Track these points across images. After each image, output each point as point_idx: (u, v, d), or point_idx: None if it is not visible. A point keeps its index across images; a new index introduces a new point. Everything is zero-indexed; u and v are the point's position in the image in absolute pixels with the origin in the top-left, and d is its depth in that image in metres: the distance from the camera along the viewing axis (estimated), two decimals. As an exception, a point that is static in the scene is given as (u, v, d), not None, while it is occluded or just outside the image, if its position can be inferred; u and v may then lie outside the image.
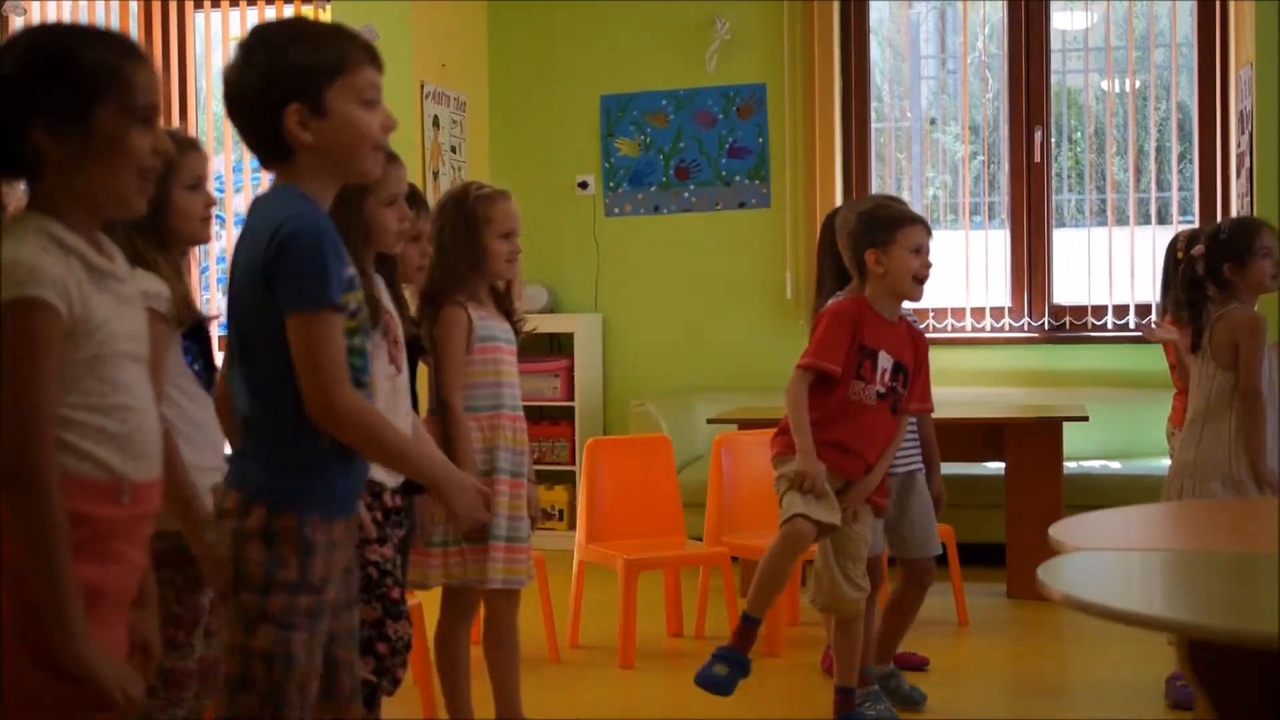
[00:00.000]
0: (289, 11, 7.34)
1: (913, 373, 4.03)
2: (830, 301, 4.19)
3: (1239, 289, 4.24)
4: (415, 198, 3.39)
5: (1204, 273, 4.26)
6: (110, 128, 1.97)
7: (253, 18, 7.51)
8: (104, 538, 1.99)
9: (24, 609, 1.91)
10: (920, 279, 3.98)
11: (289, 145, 2.29)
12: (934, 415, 4.45)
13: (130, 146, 1.98)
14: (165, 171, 2.90)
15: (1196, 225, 4.99)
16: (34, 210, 1.98)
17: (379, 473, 3.12)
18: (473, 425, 3.66)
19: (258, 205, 2.34)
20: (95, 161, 1.97)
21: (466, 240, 3.67)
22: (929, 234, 4.02)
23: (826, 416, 3.91)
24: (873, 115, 7.47)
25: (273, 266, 2.23)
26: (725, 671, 3.95)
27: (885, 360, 3.97)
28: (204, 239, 3.04)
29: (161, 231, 2.92)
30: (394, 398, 3.15)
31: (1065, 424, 5.81)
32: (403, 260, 3.41)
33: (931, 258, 4.03)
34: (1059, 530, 3.21)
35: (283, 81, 2.28)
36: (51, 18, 7.65)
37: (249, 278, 2.26)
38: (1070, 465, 6.02)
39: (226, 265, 3.97)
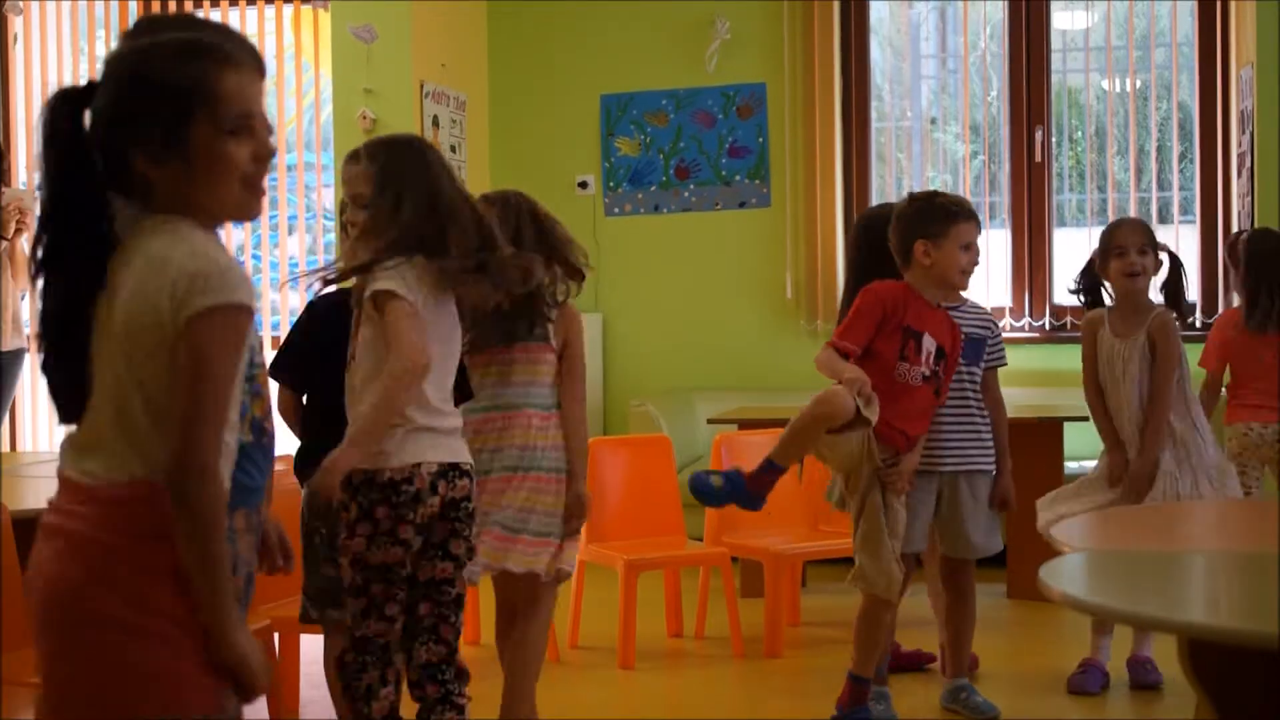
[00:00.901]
0: (289, 12, 7.33)
1: (949, 359, 4.05)
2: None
3: (1109, 291, 4.46)
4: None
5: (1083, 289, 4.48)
6: (205, 144, 1.95)
7: (252, 17, 7.51)
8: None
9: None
10: (967, 273, 4.01)
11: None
12: None
13: (227, 159, 1.96)
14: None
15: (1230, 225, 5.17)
16: (171, 216, 1.97)
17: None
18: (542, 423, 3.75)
19: None
20: (198, 178, 1.96)
21: (550, 240, 3.70)
22: (979, 229, 4.05)
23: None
24: (873, 115, 7.47)
25: None
26: (720, 484, 3.97)
27: (929, 343, 3.97)
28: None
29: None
30: None
31: (1065, 424, 5.81)
32: None
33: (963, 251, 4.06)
34: (1059, 530, 3.20)
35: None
36: (51, 18, 7.66)
37: None
38: (1070, 465, 6.01)
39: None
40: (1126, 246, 4.42)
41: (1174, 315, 4.50)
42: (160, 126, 1.93)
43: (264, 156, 1.99)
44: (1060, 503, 4.43)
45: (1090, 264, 4.53)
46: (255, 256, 7.65)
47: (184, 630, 1.92)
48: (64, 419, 2.01)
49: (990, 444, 4.22)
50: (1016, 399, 6.53)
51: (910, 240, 4.00)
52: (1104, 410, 4.45)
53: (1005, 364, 4.35)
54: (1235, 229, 6.81)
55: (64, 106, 1.97)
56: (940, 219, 3.98)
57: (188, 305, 1.88)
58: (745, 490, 3.94)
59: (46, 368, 2.00)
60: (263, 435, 2.28)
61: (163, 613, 1.90)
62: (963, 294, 4.19)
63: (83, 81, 2.02)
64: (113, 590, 1.90)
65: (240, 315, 1.91)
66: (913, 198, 4.12)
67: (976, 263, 4.03)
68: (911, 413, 3.96)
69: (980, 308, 4.33)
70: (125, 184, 1.97)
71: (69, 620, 1.92)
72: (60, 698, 1.95)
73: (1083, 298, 4.55)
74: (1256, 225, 6.43)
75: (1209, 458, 4.37)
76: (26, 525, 3.52)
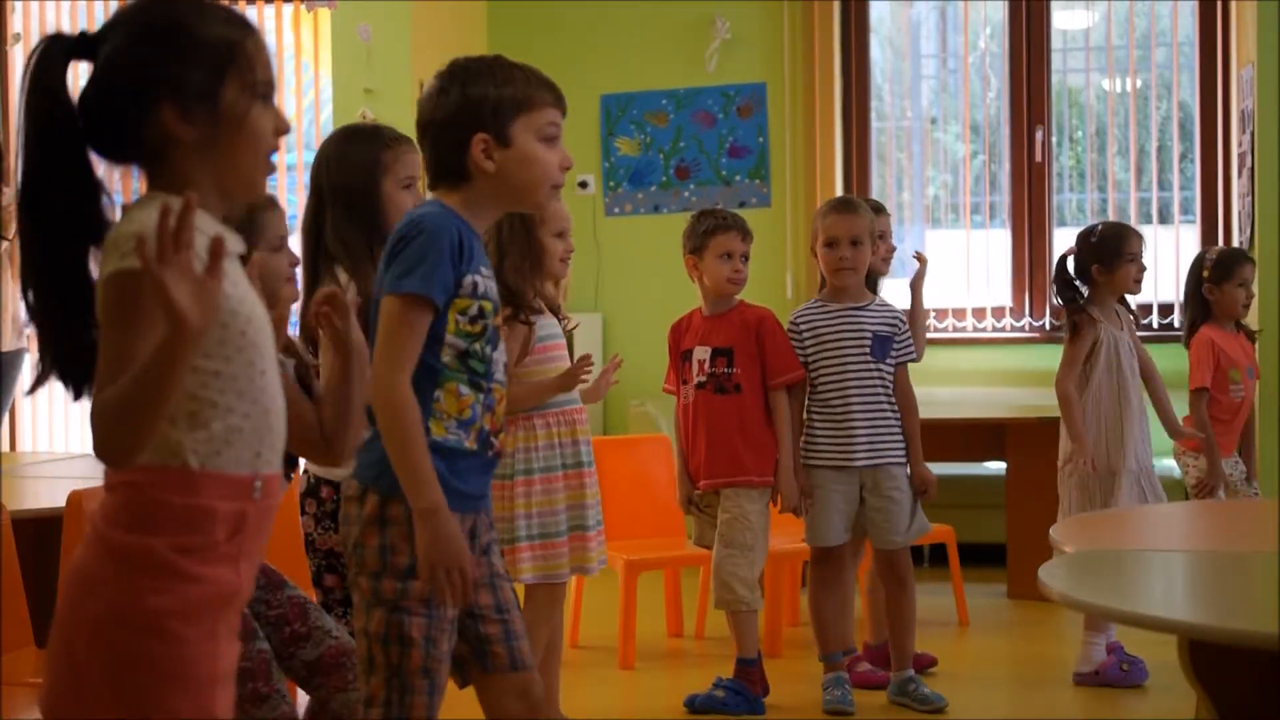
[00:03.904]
0: (288, 12, 7.33)
1: (741, 351, 4.40)
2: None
3: (1103, 291, 4.57)
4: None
5: (1075, 273, 4.60)
6: (235, 105, 1.86)
7: (252, 17, 7.50)
8: (237, 534, 1.87)
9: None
10: (734, 280, 4.33)
11: (468, 171, 2.46)
12: (934, 415, 4.58)
13: (255, 124, 1.89)
14: (377, 170, 3.17)
15: (1217, 244, 5.20)
16: (159, 191, 1.87)
17: None
18: (545, 422, 3.81)
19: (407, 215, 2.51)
20: (224, 141, 1.87)
21: (525, 239, 3.74)
22: (744, 238, 4.34)
23: None
24: (873, 115, 7.47)
25: (389, 253, 2.41)
26: (722, 696, 4.36)
27: (700, 353, 4.39)
28: None
29: (378, 227, 3.11)
30: None
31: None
32: None
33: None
34: (1059, 530, 3.20)
35: (473, 112, 2.46)
36: (50, 18, 7.66)
37: (380, 271, 2.44)
38: (1071, 465, 6.00)
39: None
40: (1138, 253, 4.58)
41: None
42: (197, 80, 1.84)
43: (283, 129, 1.95)
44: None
45: (1085, 264, 4.56)
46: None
47: (167, 630, 1.81)
48: (76, 393, 1.89)
49: (902, 437, 4.37)
50: (1017, 399, 6.54)
51: (685, 260, 4.39)
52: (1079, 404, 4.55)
53: (915, 359, 4.50)
54: (1235, 229, 6.81)
55: (57, 55, 1.87)
56: (699, 234, 4.35)
57: (103, 267, 1.80)
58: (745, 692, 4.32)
59: (45, 343, 1.89)
60: (487, 449, 2.43)
61: (147, 611, 1.80)
62: (870, 292, 4.46)
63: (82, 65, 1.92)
64: (105, 587, 1.81)
65: (135, 280, 1.73)
66: (690, 220, 4.47)
67: (740, 268, 4.32)
68: (689, 431, 4.41)
69: (889, 306, 4.50)
70: (132, 145, 1.87)
71: (64, 616, 1.85)
72: (50, 692, 1.86)
73: (1062, 297, 4.64)
74: (1257, 226, 6.43)
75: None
76: (27, 525, 3.53)
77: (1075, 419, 4.49)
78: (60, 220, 1.85)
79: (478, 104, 2.46)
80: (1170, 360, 5.30)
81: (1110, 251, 4.54)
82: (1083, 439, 4.46)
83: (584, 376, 3.82)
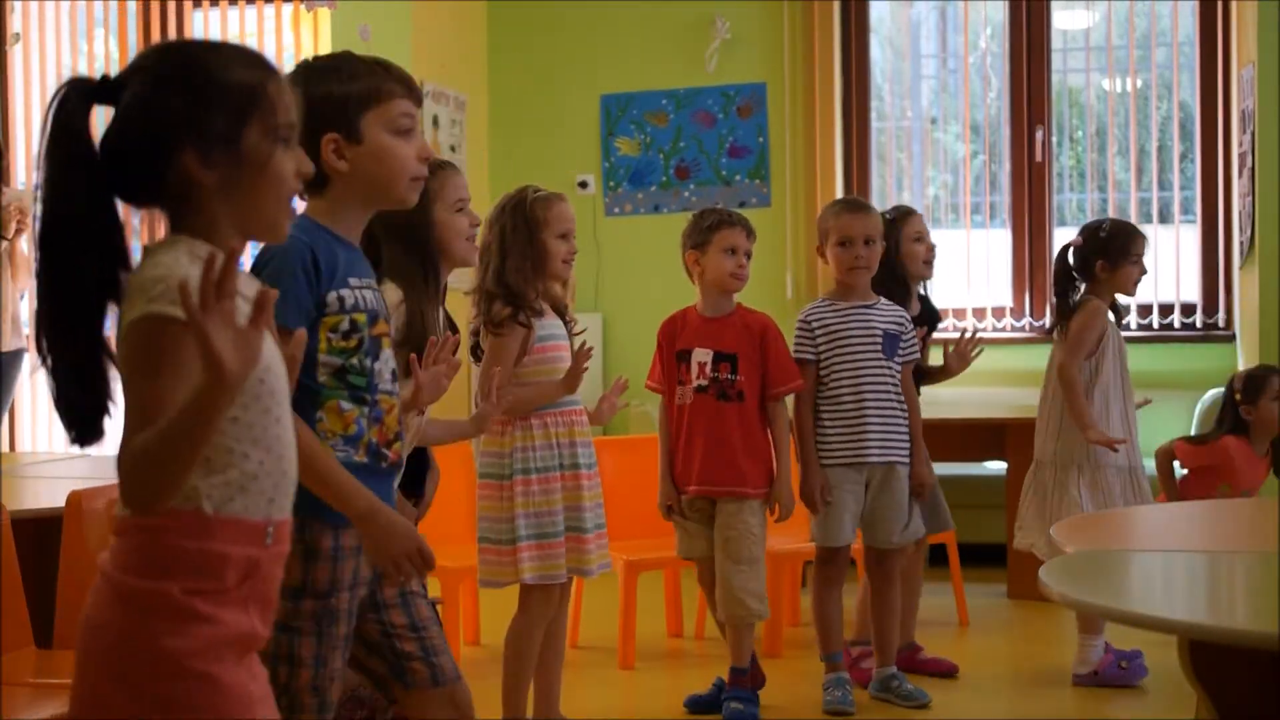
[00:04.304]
0: (288, 12, 7.33)
1: (744, 358, 4.36)
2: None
3: (1103, 287, 4.54)
4: None
5: (1076, 266, 4.59)
6: (257, 149, 1.88)
7: (251, 17, 7.51)
8: (248, 579, 1.88)
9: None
10: (736, 275, 4.31)
11: (325, 174, 2.40)
12: (934, 415, 4.60)
13: (277, 168, 1.90)
14: (425, 199, 3.09)
15: (1244, 366, 5.20)
16: (181, 235, 1.87)
17: None
18: (543, 423, 3.79)
19: None
20: (246, 184, 1.88)
21: (527, 241, 3.75)
22: (749, 236, 4.33)
23: None
24: (873, 115, 7.47)
25: None
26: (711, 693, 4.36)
27: (700, 355, 4.32)
28: (472, 260, 3.35)
29: (432, 254, 3.17)
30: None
31: (1065, 424, 5.80)
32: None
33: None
34: (1059, 530, 3.20)
35: (318, 112, 2.37)
36: (50, 18, 7.66)
37: None
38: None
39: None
40: (1142, 256, 4.59)
41: None
42: (218, 125, 1.85)
43: (305, 173, 1.95)
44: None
45: (1089, 263, 4.56)
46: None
47: (189, 669, 1.81)
48: (78, 440, 1.89)
49: (909, 436, 4.41)
50: (1017, 399, 6.54)
51: (685, 256, 4.35)
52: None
53: (919, 359, 4.53)
54: (1235, 229, 6.82)
55: (78, 100, 1.87)
56: (703, 230, 4.32)
57: (126, 314, 1.80)
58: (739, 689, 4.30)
59: (57, 387, 1.87)
60: (380, 460, 2.38)
61: (165, 653, 1.81)
62: (875, 293, 4.47)
63: (92, 131, 1.90)
64: (120, 633, 1.82)
65: (167, 326, 1.76)
66: (691, 218, 4.44)
67: (744, 264, 4.30)
68: (685, 435, 4.29)
69: (895, 306, 4.51)
70: (154, 189, 1.88)
71: (85, 666, 1.85)
72: None
73: (1059, 287, 4.63)
74: (1257, 226, 6.43)
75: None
76: (27, 525, 3.53)
77: (1082, 403, 4.45)
78: (79, 264, 1.85)
79: (322, 103, 2.40)
80: (1172, 360, 5.30)
81: (1117, 249, 4.53)
82: (1092, 424, 4.42)
83: (585, 365, 3.80)
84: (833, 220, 4.42)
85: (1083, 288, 4.58)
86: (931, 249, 4.86)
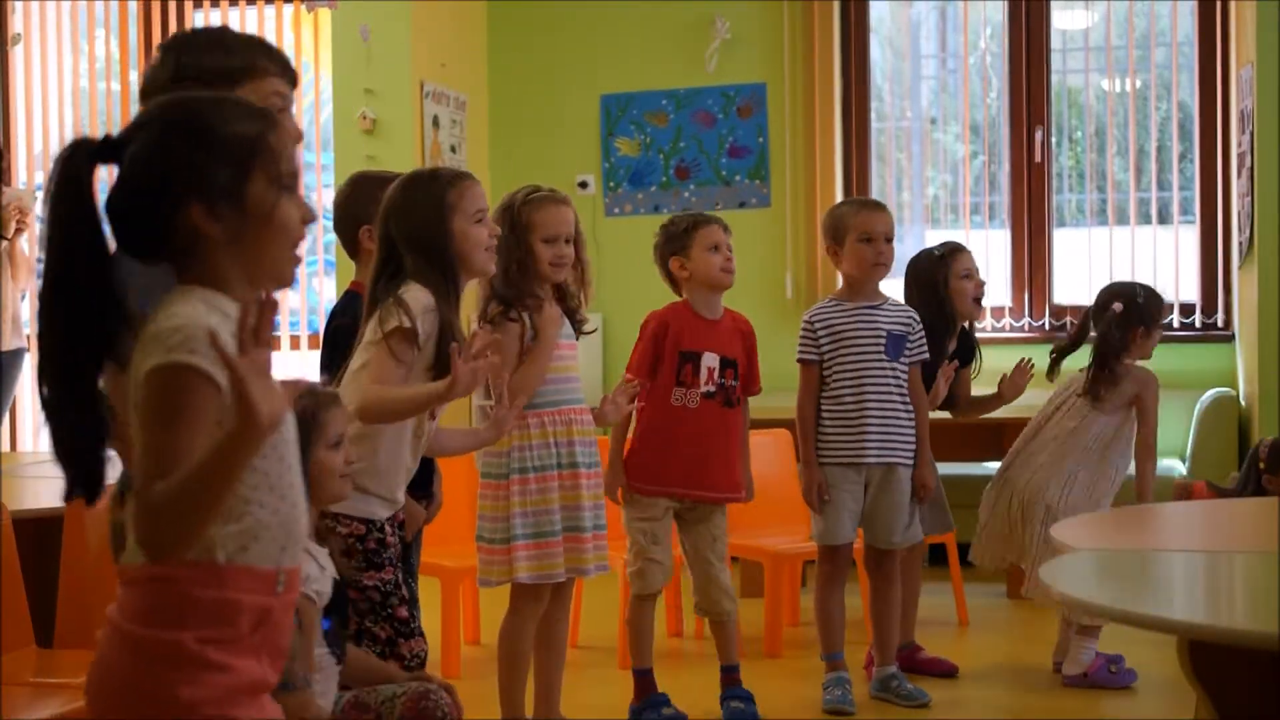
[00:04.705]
0: (288, 11, 7.34)
1: (743, 363, 4.41)
2: None
3: (1134, 353, 4.59)
4: None
5: (1117, 332, 4.57)
6: (262, 200, 1.89)
7: (252, 17, 7.51)
8: (261, 627, 1.89)
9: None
10: (727, 270, 4.39)
11: None
12: (934, 415, 4.63)
13: (282, 217, 1.91)
14: (444, 211, 3.20)
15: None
16: (192, 285, 1.89)
17: (374, 508, 3.15)
18: (540, 421, 3.77)
19: None
20: (253, 235, 1.89)
21: (514, 244, 3.74)
22: (725, 230, 4.39)
23: None
24: (873, 115, 7.47)
25: None
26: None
27: (710, 360, 4.31)
28: (490, 269, 3.35)
29: (452, 264, 3.18)
30: (416, 439, 3.23)
31: (1065, 424, 5.80)
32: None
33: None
34: (1059, 530, 3.20)
35: (190, 83, 2.33)
36: (50, 18, 7.66)
37: None
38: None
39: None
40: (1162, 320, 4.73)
41: None
42: (223, 178, 1.87)
43: (309, 219, 1.96)
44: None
45: (1129, 324, 4.58)
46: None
47: (207, 718, 1.83)
48: (79, 491, 1.91)
49: (913, 438, 4.39)
50: (1016, 399, 6.54)
51: (666, 266, 4.31)
52: None
53: (927, 358, 4.51)
54: (1235, 229, 6.82)
55: (83, 158, 1.89)
56: (681, 233, 4.29)
57: (144, 363, 1.81)
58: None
59: (56, 443, 1.89)
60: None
61: (182, 703, 1.82)
62: (884, 293, 4.46)
63: (93, 133, 1.95)
64: (135, 684, 1.83)
65: (184, 376, 1.79)
66: (659, 229, 4.40)
67: (730, 257, 4.30)
68: (685, 437, 4.20)
69: (902, 305, 4.52)
70: (160, 243, 1.89)
71: (96, 712, 1.87)
72: None
73: (1110, 350, 4.59)
74: (1257, 226, 6.43)
75: None
76: (27, 525, 3.53)
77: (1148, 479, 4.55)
78: (79, 322, 1.87)
79: (195, 76, 2.37)
80: (1171, 360, 5.31)
81: (1152, 317, 4.59)
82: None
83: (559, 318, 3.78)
84: (854, 218, 4.41)
85: (1123, 357, 4.56)
86: (980, 286, 4.86)
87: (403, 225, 3.23)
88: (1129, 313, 4.57)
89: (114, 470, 1.99)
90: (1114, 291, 4.71)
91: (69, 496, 1.92)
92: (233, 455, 1.75)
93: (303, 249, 1.98)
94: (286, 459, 1.92)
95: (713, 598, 4.27)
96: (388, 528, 3.20)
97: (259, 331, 1.72)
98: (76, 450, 1.89)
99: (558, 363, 3.80)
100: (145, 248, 1.91)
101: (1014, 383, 4.82)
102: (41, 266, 1.90)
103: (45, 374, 1.88)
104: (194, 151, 1.87)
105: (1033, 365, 4.83)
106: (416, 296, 3.14)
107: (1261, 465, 4.78)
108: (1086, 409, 4.58)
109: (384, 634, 3.14)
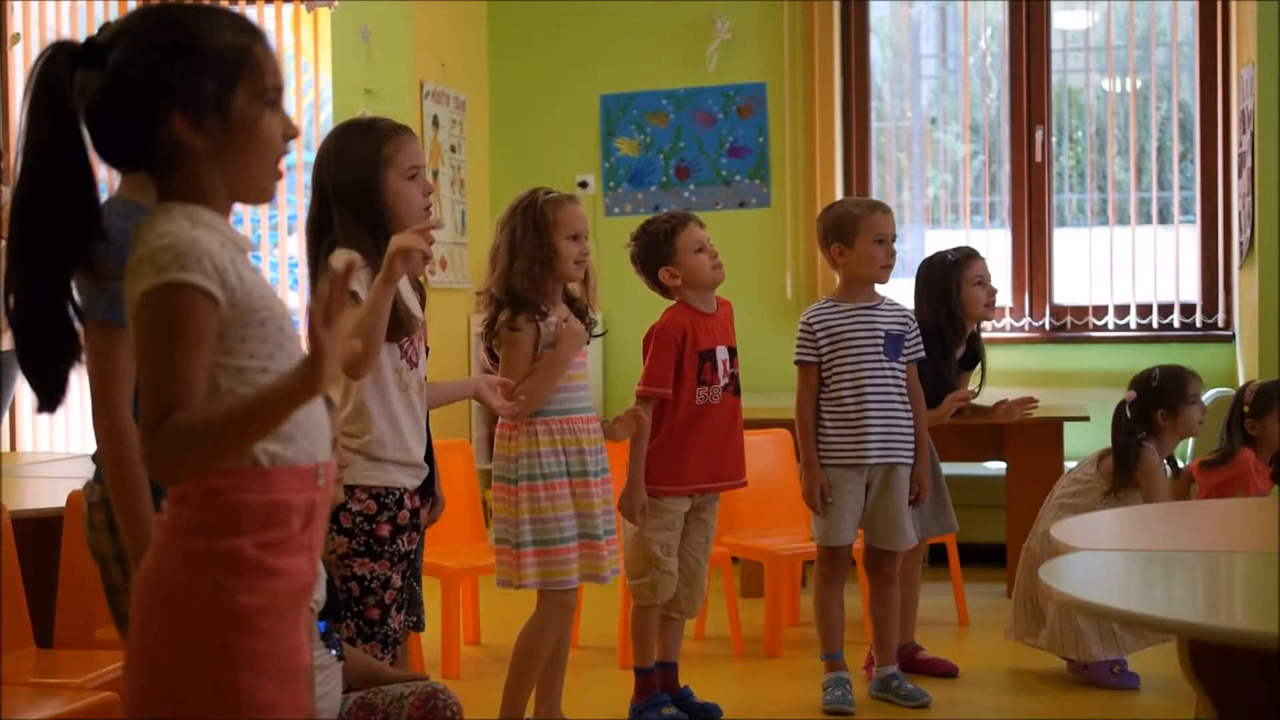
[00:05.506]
0: (288, 12, 7.34)
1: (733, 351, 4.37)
2: None
3: (1167, 435, 4.56)
4: None
5: (1135, 420, 4.54)
6: (246, 112, 1.87)
7: (251, 16, 7.50)
8: (309, 524, 1.90)
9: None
10: (715, 265, 4.27)
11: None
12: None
13: (266, 130, 1.90)
14: (378, 164, 3.09)
15: (1258, 379, 5.11)
16: (172, 200, 1.87)
17: (393, 475, 3.14)
18: (548, 429, 3.75)
19: None
20: (236, 148, 1.88)
21: (537, 243, 3.72)
22: (701, 226, 4.27)
23: None
24: (873, 115, 7.46)
25: None
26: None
27: (722, 353, 4.26)
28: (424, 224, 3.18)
29: (379, 222, 3.08)
30: (405, 392, 3.20)
31: (1065, 424, 5.81)
32: None
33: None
34: (1059, 530, 3.20)
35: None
36: (50, 17, 7.66)
37: None
38: (1071, 465, 6.00)
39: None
40: (1199, 395, 4.65)
41: None
42: (208, 89, 1.85)
43: (291, 134, 1.95)
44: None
45: (1148, 415, 4.56)
46: (255, 257, 7.63)
47: (259, 628, 1.84)
48: (45, 403, 1.91)
49: (914, 437, 4.40)
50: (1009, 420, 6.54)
51: (654, 274, 4.24)
52: None
53: (923, 356, 4.51)
54: (1235, 229, 6.82)
55: (64, 60, 1.86)
56: (661, 242, 4.22)
57: (139, 285, 1.80)
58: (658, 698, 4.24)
59: (23, 353, 1.89)
60: None
61: (240, 610, 1.83)
62: (880, 292, 4.46)
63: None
64: (192, 595, 1.83)
65: (183, 294, 1.78)
66: (634, 238, 4.32)
67: (716, 253, 4.25)
68: (708, 432, 4.18)
69: (898, 305, 4.51)
70: (141, 153, 1.88)
71: (145, 631, 1.87)
72: (137, 707, 1.88)
73: (1126, 443, 4.55)
74: (1257, 226, 6.43)
75: None
76: (27, 525, 3.53)
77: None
78: (56, 227, 1.85)
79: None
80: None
81: (1174, 396, 4.55)
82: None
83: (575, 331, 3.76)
84: (865, 219, 4.39)
85: (1143, 440, 4.53)
86: (993, 293, 4.85)
87: (334, 174, 3.16)
88: (1141, 399, 4.55)
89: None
90: (1132, 381, 4.67)
91: (41, 409, 1.92)
92: (286, 406, 1.77)
93: (283, 164, 1.97)
94: (297, 355, 1.90)
95: (694, 600, 4.28)
96: (407, 500, 3.18)
97: (338, 297, 1.74)
98: (44, 359, 1.89)
99: (570, 370, 3.78)
100: (124, 157, 1.90)
101: (1010, 409, 4.85)
102: (19, 170, 1.87)
103: (12, 282, 1.86)
104: (179, 62, 1.85)
105: (1036, 405, 4.89)
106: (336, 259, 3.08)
107: (1245, 409, 4.76)
108: (1101, 488, 4.56)
109: (348, 632, 3.10)
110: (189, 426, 1.77)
